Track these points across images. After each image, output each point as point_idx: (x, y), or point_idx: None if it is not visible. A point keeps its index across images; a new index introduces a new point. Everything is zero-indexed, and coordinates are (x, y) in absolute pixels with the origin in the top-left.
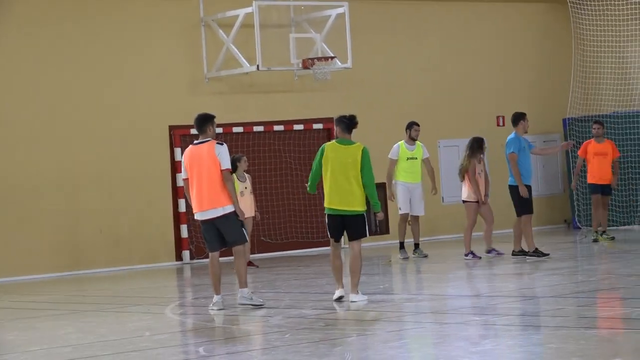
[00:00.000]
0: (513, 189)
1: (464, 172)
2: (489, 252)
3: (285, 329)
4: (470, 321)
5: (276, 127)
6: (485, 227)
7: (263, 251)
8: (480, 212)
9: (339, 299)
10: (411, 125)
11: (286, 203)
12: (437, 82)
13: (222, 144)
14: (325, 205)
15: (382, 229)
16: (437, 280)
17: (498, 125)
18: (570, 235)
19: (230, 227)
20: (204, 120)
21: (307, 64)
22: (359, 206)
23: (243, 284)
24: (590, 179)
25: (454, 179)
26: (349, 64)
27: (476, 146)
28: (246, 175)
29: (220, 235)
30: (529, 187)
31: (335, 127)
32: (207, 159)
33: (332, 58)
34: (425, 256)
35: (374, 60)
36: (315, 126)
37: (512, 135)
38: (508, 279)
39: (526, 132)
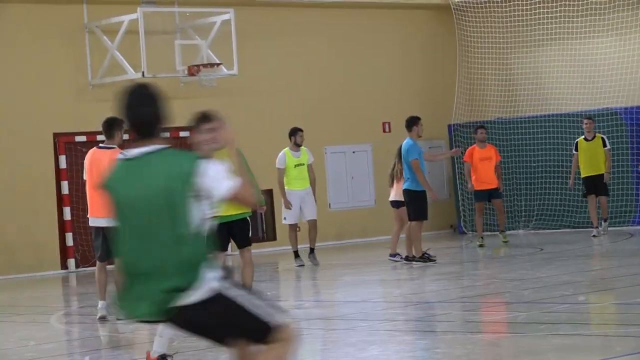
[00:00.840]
0: (410, 194)
1: (399, 176)
2: (393, 255)
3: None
4: (358, 327)
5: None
6: (396, 229)
7: None
8: (401, 214)
9: None
10: (295, 132)
11: None
12: (323, 89)
13: None
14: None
15: (269, 235)
16: (325, 286)
17: (384, 131)
18: (456, 241)
19: None
20: (111, 125)
21: (192, 70)
22: (243, 209)
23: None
24: (476, 186)
25: (341, 186)
26: (235, 71)
27: None
28: None
29: (108, 244)
30: (424, 193)
31: None
32: (107, 167)
33: (217, 65)
34: (318, 264)
35: (260, 66)
36: None
37: (410, 142)
38: (395, 285)
39: (420, 137)
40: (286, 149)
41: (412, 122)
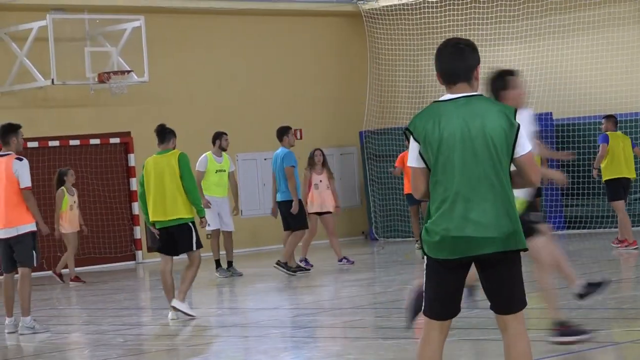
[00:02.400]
0: (286, 204)
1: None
2: (341, 260)
3: (83, 346)
4: (270, 334)
5: (72, 142)
6: (306, 237)
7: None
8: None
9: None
10: (220, 135)
11: (83, 218)
12: (235, 96)
13: (21, 160)
14: (151, 219)
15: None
16: (237, 293)
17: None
18: (368, 247)
19: (21, 249)
20: (6, 131)
21: (103, 77)
22: (183, 213)
23: (26, 312)
24: (407, 190)
25: (252, 193)
26: (145, 78)
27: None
28: (73, 188)
29: (12, 255)
30: (301, 202)
31: None
32: (4, 175)
33: (128, 72)
34: (241, 275)
35: (171, 73)
36: (112, 140)
37: (284, 150)
38: (307, 292)
39: (292, 147)
40: (208, 152)
41: (283, 132)
